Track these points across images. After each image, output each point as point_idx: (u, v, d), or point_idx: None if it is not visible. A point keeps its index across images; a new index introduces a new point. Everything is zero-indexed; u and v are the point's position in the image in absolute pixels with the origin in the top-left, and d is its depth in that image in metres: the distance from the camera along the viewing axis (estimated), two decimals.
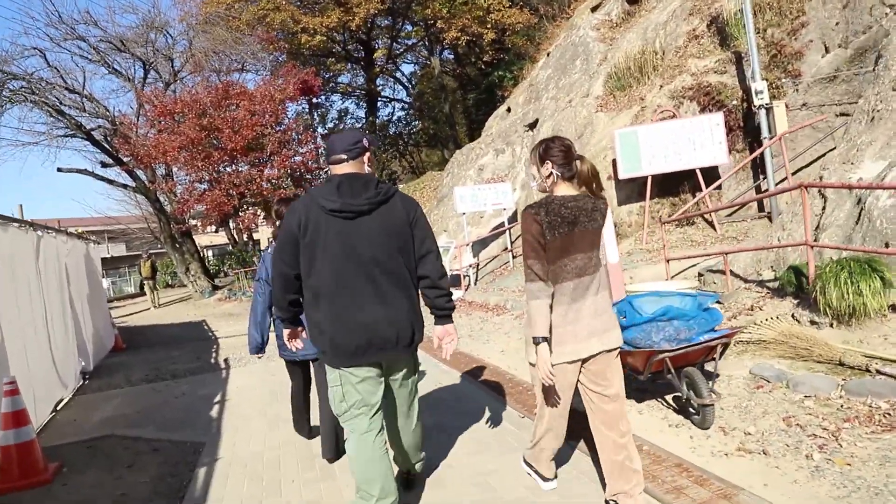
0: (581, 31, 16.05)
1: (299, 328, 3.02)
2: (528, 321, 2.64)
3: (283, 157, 16.25)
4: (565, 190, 2.71)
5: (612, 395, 2.76)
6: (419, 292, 2.91)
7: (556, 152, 2.71)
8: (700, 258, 8.05)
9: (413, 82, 40.00)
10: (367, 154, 2.84)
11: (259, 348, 4.11)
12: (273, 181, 16.56)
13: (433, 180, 25.28)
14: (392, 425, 3.00)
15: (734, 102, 10.92)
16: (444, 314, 2.96)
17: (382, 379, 2.83)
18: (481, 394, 5.22)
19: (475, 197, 11.82)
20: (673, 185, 11.36)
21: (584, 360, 2.73)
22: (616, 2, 16.46)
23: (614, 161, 11.85)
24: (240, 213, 17.26)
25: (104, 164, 19.59)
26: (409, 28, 29.78)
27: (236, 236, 26.73)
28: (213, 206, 16.00)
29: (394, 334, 2.72)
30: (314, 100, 27.07)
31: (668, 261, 7.58)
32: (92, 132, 18.46)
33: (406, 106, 40.92)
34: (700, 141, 10.78)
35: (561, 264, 2.62)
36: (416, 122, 40.61)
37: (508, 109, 18.55)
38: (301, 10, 22.82)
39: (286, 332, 3.06)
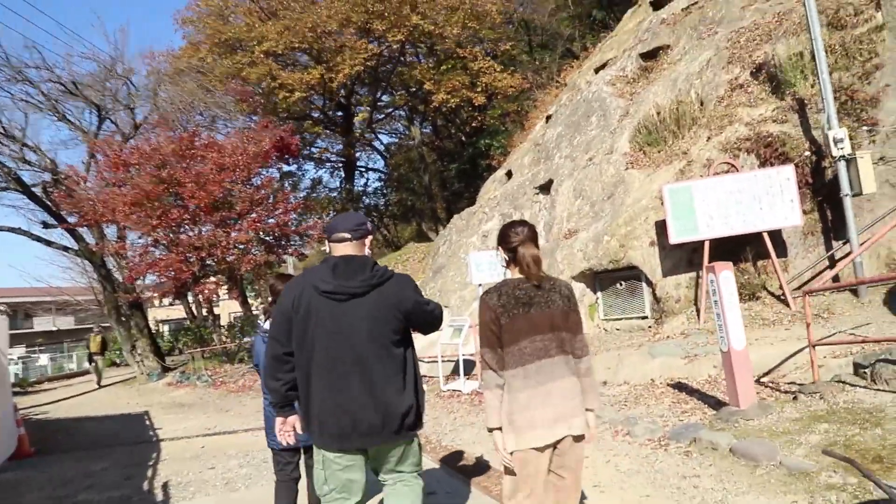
0: (594, 88, 14.62)
1: (292, 416, 2.84)
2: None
3: (256, 219, 13.95)
4: (520, 272, 2.75)
5: (565, 485, 2.73)
6: (416, 377, 2.81)
7: (506, 239, 2.75)
8: (861, 343, 5.86)
9: (390, 153, 38.76)
10: (370, 237, 2.83)
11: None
12: (241, 245, 14.22)
13: (416, 252, 23.35)
14: None
15: (806, 154, 9.20)
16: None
17: (365, 467, 2.72)
18: None
19: (492, 264, 9.66)
20: (728, 251, 9.42)
21: (554, 446, 2.65)
22: (629, 58, 15.14)
23: (658, 224, 9.95)
24: (200, 282, 14.75)
25: (46, 225, 17.03)
26: (391, 96, 28.49)
27: (195, 310, 23.96)
28: (167, 272, 13.50)
29: (379, 420, 2.60)
30: (285, 168, 25.11)
31: (814, 346, 5.42)
32: (32, 188, 16.02)
33: (383, 177, 39.50)
34: (767, 199, 8.97)
35: (521, 346, 2.58)
36: (393, 194, 39.09)
37: (509, 173, 16.86)
38: (279, 66, 21.20)
39: (278, 420, 2.84)
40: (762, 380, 6.39)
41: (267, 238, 14.83)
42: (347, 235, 2.71)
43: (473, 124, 27.08)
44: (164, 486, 5.74)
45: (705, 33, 13.29)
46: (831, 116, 8.64)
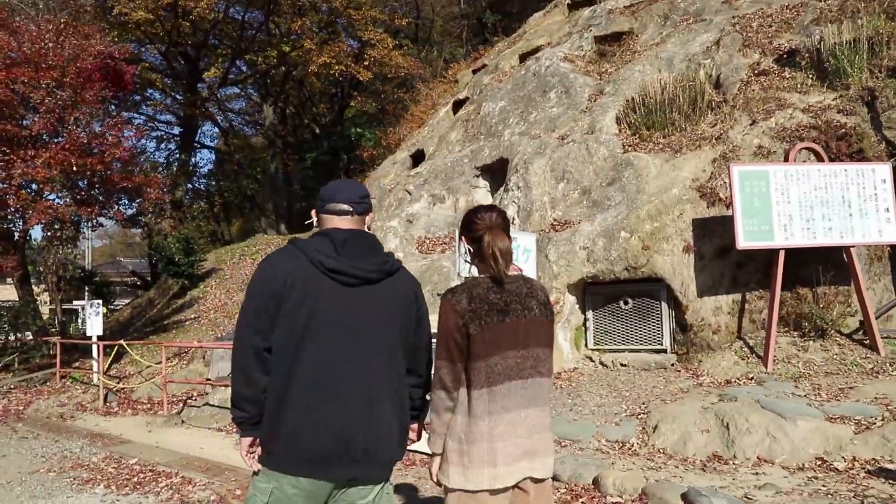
0: (545, 62, 11.99)
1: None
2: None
3: (65, 146, 8.69)
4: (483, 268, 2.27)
5: None
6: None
7: (470, 226, 2.24)
8: None
9: (233, 132, 33.40)
10: (371, 214, 2.29)
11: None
12: (32, 185, 8.96)
13: (269, 245, 18.96)
14: None
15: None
16: (420, 414, 2.35)
17: None
18: None
19: None
20: (789, 270, 6.98)
21: (513, 488, 2.13)
22: (583, 39, 12.87)
23: (698, 223, 7.27)
24: None
25: None
26: (254, 59, 23.59)
27: None
28: None
29: (372, 444, 2.05)
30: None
31: None
32: None
33: (221, 157, 33.84)
34: (858, 203, 6.67)
35: (491, 363, 2.08)
36: (228, 180, 33.53)
37: (418, 155, 13.58)
38: None
39: (245, 440, 2.09)
40: None
41: (80, 183, 9.59)
42: (348, 207, 2.17)
43: (352, 104, 23.38)
44: None
45: (681, 21, 11.44)
46: None
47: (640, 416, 5.40)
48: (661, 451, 4.81)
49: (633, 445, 4.95)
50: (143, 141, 35.44)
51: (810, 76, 8.37)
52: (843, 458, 4.25)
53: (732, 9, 10.91)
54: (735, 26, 10.11)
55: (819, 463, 4.25)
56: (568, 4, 16.10)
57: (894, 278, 7.43)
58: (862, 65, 8.03)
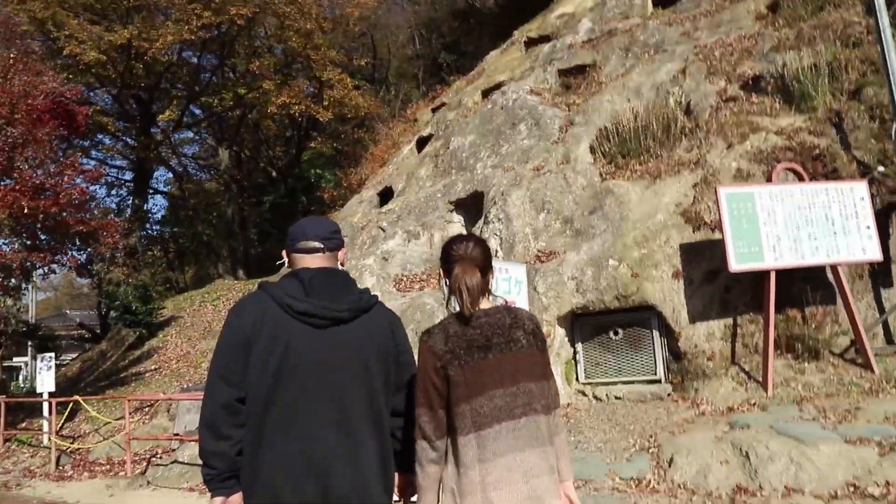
0: (513, 96, 12.05)
1: (235, 494, 1.97)
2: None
3: (18, 186, 8.06)
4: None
5: None
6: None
7: (446, 258, 2.10)
8: None
9: (187, 177, 32.61)
10: (344, 250, 2.20)
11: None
12: None
13: (230, 290, 18.44)
14: None
15: (879, 171, 7.19)
16: (403, 460, 2.16)
17: None
18: None
19: (508, 281, 5.90)
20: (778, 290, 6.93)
21: None
22: (547, 73, 13.02)
23: (685, 247, 7.19)
24: None
25: None
26: (209, 101, 23.13)
27: None
28: None
29: (357, 487, 1.95)
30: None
31: None
32: None
33: (175, 202, 32.88)
34: (840, 221, 6.70)
35: (476, 405, 1.92)
36: (183, 226, 32.59)
37: (385, 192, 13.37)
38: (69, 13, 15.21)
39: (216, 501, 1.98)
40: None
41: (31, 227, 8.89)
42: (319, 245, 2.09)
43: (312, 144, 23.07)
44: None
45: (643, 53, 11.67)
46: None
47: (650, 451, 5.14)
48: (682, 485, 4.55)
49: (650, 482, 4.67)
50: (95, 187, 34.19)
51: (777, 100, 8.53)
52: (875, 482, 4.07)
53: (692, 40, 11.17)
54: (698, 55, 10.32)
55: (852, 490, 4.06)
56: (524, 42, 16.32)
57: (876, 296, 7.49)
58: (825, 88, 8.24)
